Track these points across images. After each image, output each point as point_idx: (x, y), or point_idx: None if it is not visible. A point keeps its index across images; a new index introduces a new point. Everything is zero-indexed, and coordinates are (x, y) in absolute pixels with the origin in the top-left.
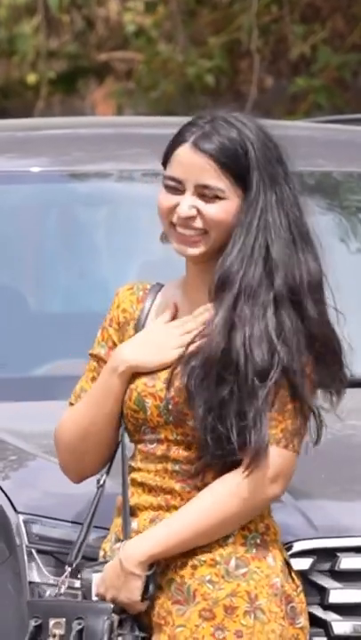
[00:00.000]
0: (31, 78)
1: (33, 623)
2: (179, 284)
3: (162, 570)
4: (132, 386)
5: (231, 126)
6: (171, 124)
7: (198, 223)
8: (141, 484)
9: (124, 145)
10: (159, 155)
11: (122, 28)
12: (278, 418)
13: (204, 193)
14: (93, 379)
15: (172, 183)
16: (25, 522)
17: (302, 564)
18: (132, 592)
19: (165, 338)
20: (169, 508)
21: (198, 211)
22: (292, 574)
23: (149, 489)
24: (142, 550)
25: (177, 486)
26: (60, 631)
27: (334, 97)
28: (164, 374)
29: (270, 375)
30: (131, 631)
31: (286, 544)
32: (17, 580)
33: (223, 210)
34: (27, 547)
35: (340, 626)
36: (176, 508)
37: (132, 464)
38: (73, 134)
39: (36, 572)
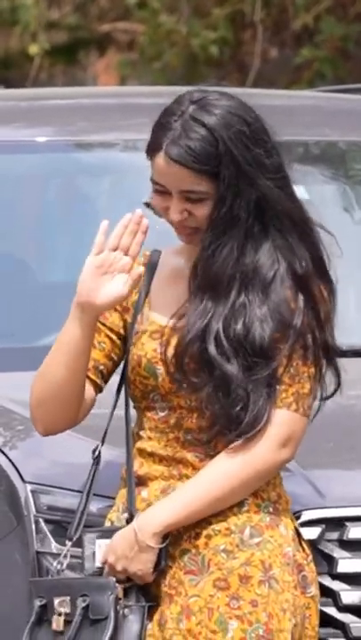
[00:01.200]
0: (33, 49)
1: (38, 603)
2: (180, 251)
3: (174, 540)
4: (141, 352)
5: (199, 124)
6: (175, 94)
7: (191, 222)
8: (151, 454)
9: (129, 115)
10: None
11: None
12: (288, 382)
13: (190, 196)
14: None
15: (159, 187)
16: (33, 491)
17: (311, 533)
18: (144, 564)
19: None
20: (181, 477)
21: (189, 212)
22: (302, 543)
23: (160, 458)
24: (157, 521)
25: (189, 456)
26: (65, 609)
27: (338, 67)
28: (174, 340)
29: (276, 353)
30: (136, 601)
31: (295, 513)
32: (25, 549)
33: (211, 207)
34: (34, 516)
35: (349, 595)
36: (188, 477)
37: (141, 433)
38: (78, 104)
39: (44, 541)
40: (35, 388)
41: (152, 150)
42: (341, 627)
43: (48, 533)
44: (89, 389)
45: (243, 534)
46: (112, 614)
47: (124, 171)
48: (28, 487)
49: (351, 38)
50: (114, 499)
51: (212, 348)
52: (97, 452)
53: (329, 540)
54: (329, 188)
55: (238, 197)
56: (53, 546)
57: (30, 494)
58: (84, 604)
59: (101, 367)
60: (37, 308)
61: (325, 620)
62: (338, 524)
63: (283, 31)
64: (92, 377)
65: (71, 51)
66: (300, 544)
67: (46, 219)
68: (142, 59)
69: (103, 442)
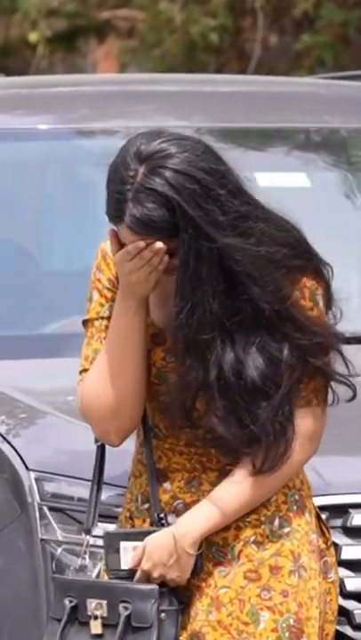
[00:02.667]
0: (33, 37)
1: (68, 603)
2: None
3: None
4: (150, 360)
5: (152, 192)
6: (176, 81)
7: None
8: (170, 449)
9: (131, 102)
10: (165, 112)
11: None
12: (305, 379)
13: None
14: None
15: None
16: (36, 479)
17: None
18: (183, 571)
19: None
20: (205, 470)
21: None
22: (322, 527)
23: (180, 452)
24: (197, 528)
25: (213, 450)
26: (101, 612)
27: (338, 53)
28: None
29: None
30: (169, 604)
31: None
32: (29, 537)
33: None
34: (38, 504)
35: (353, 582)
36: (213, 470)
37: (155, 430)
38: (79, 92)
39: (48, 529)
40: (106, 400)
41: (113, 220)
42: (345, 613)
43: (52, 521)
44: None
45: (272, 525)
46: (156, 623)
47: None
48: (32, 475)
49: (352, 24)
50: (122, 487)
51: (214, 420)
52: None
53: (333, 527)
54: (331, 175)
55: (200, 260)
56: (58, 533)
57: (34, 482)
58: (126, 613)
59: None
60: (40, 296)
61: None
62: (342, 510)
63: (283, 18)
64: None
65: (71, 38)
66: (321, 528)
67: (48, 206)
68: (142, 46)
69: None
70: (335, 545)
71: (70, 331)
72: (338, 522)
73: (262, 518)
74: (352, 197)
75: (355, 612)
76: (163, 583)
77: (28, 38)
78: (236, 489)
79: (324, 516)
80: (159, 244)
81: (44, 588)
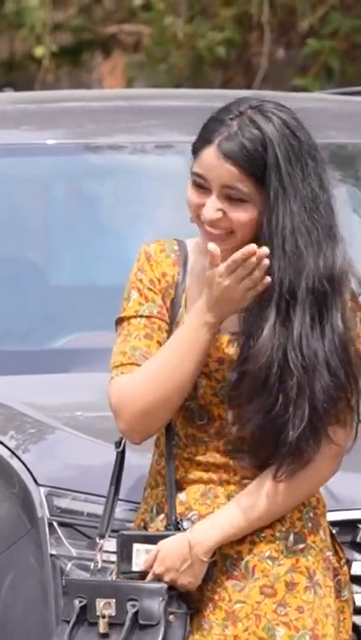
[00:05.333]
0: (39, 51)
1: (78, 604)
2: (205, 249)
3: None
4: None
5: (255, 126)
6: (184, 97)
7: (225, 224)
8: (188, 459)
9: (138, 117)
10: (172, 127)
11: (129, 1)
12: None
13: (230, 195)
14: (147, 336)
15: (199, 180)
16: (46, 494)
17: None
18: (196, 577)
19: (226, 289)
20: (222, 483)
21: (224, 213)
22: (336, 546)
23: (198, 463)
24: (213, 537)
25: (231, 462)
26: (110, 612)
27: (345, 63)
28: (216, 353)
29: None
30: (178, 607)
31: None
32: (39, 552)
33: (249, 212)
34: (48, 519)
35: None
36: (230, 482)
37: (175, 438)
38: (87, 107)
39: (58, 544)
40: (141, 399)
41: (202, 143)
42: (356, 630)
43: (62, 536)
44: None
45: (287, 541)
46: (163, 621)
47: (133, 173)
48: (42, 490)
49: (360, 31)
50: (134, 502)
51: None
52: (122, 445)
53: (343, 543)
54: (338, 191)
55: (285, 207)
56: (68, 548)
57: (44, 497)
58: (134, 610)
59: None
60: (48, 311)
61: None
62: (351, 526)
63: (289, 32)
64: None
65: (76, 53)
66: (334, 546)
67: (56, 221)
68: (148, 61)
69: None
70: (346, 561)
71: (79, 346)
72: (348, 537)
73: (277, 534)
74: (360, 213)
75: None
76: (172, 587)
77: (33, 53)
78: (253, 501)
79: (333, 532)
80: (265, 249)
81: (53, 603)
